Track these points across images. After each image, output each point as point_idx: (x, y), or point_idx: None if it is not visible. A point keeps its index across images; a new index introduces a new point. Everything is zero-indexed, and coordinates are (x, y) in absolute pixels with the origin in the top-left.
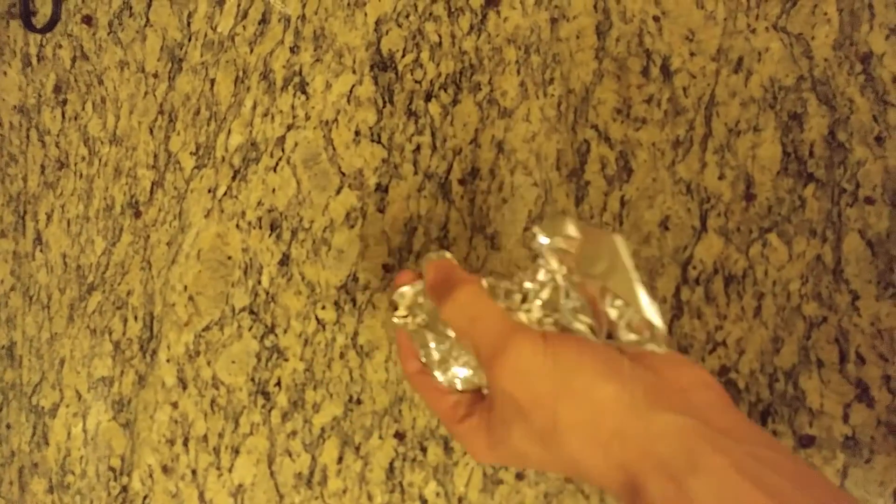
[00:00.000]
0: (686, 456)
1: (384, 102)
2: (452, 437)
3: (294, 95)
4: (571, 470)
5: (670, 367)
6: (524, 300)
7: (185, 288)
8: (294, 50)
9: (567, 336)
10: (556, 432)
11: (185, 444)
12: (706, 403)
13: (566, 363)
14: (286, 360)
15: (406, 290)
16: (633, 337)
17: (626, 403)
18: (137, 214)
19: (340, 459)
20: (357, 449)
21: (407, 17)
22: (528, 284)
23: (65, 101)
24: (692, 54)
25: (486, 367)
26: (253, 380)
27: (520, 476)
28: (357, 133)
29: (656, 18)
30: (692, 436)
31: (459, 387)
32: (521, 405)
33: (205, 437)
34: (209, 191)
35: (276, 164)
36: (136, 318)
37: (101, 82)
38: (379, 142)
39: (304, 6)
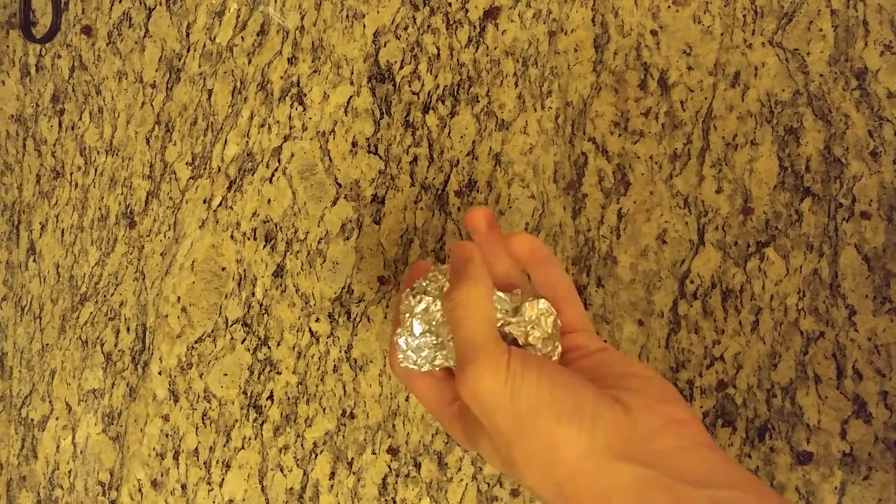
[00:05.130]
0: None
1: (381, 114)
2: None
3: (291, 106)
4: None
5: (643, 406)
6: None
7: (179, 299)
8: (292, 61)
9: (531, 365)
10: (514, 464)
11: (176, 458)
12: (674, 447)
13: (524, 401)
14: (279, 373)
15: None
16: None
17: (583, 448)
18: (132, 225)
19: (333, 475)
20: (350, 464)
21: (405, 28)
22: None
23: (62, 111)
24: (689, 68)
25: (456, 373)
26: (245, 393)
27: (515, 493)
28: (354, 144)
29: (654, 32)
30: (650, 488)
31: (425, 368)
32: (484, 425)
33: (196, 451)
34: (204, 201)
35: (272, 174)
36: (128, 329)
37: (98, 92)
38: (376, 153)
39: (302, 17)
